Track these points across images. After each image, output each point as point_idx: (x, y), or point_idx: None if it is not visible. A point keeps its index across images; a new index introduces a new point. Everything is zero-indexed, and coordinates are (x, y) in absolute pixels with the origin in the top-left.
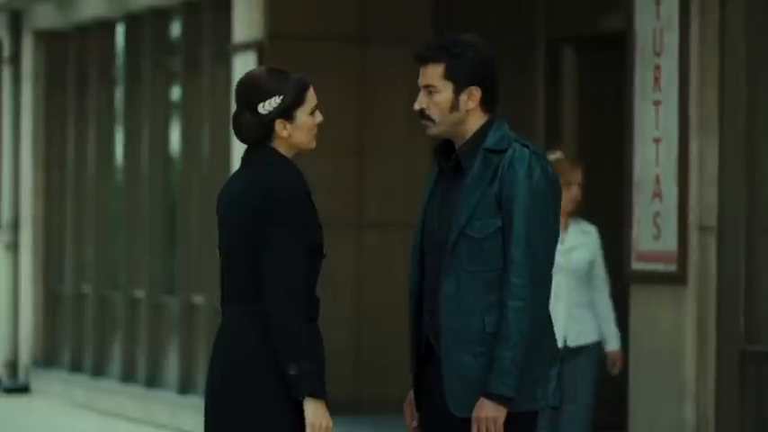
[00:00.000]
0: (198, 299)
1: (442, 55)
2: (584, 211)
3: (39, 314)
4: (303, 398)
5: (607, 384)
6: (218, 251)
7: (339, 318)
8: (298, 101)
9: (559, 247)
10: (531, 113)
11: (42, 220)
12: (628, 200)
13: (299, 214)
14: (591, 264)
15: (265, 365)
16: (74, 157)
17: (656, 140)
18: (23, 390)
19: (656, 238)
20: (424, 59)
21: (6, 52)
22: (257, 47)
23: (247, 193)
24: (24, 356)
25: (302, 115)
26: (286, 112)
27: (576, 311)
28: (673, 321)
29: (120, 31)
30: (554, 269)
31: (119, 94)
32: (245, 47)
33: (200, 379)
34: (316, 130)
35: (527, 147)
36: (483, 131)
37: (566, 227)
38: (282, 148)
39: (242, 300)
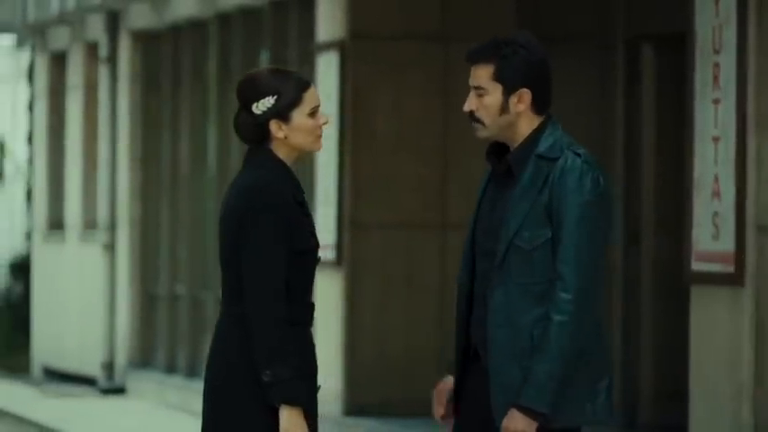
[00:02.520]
0: None
1: (492, 56)
2: (664, 214)
3: (135, 315)
4: (278, 405)
5: (668, 384)
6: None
7: (423, 318)
8: (293, 102)
9: None
10: (611, 112)
11: (138, 220)
12: (688, 199)
13: (279, 219)
14: None
15: (246, 368)
16: (168, 157)
17: (716, 139)
18: (119, 391)
19: (715, 238)
20: (474, 60)
21: (103, 53)
22: (340, 46)
23: (237, 196)
24: (120, 357)
25: (299, 116)
26: (281, 113)
27: None
28: (731, 323)
29: (212, 30)
30: None
31: (211, 93)
32: (328, 46)
33: None
34: (320, 132)
35: (579, 155)
36: (535, 135)
37: None
38: (282, 150)
39: (229, 301)
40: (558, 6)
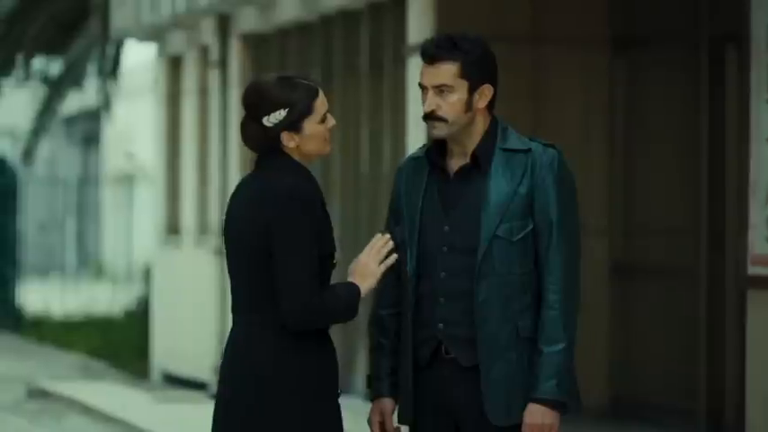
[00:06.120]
0: None
1: (456, 53)
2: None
3: None
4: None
5: (725, 387)
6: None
7: None
8: (305, 113)
9: None
10: (695, 113)
11: None
12: (744, 202)
13: (308, 221)
14: None
15: (282, 378)
16: None
17: None
18: None
19: None
20: (434, 58)
21: (214, 56)
22: None
23: (257, 200)
24: None
25: (310, 125)
26: (293, 125)
27: None
28: None
29: (315, 33)
30: None
31: None
32: (418, 48)
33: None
34: (329, 135)
35: (552, 146)
36: (493, 131)
37: None
38: (295, 155)
39: (248, 308)
40: (650, 6)
